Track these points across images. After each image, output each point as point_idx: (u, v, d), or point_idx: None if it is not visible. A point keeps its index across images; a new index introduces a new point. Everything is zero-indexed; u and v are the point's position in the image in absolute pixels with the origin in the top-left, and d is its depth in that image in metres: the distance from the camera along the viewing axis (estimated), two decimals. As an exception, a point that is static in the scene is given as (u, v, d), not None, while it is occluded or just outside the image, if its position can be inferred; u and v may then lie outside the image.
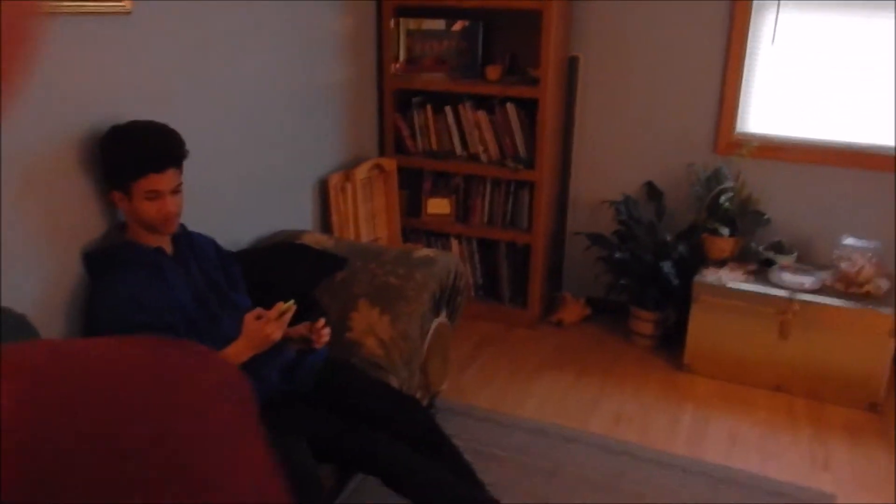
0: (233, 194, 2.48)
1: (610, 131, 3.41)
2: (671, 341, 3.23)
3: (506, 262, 3.46)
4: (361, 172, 3.07)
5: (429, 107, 3.39)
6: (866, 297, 2.86)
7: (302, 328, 2.04)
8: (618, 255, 3.23)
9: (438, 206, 3.49)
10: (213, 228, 2.23)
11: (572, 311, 3.51)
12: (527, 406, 2.80)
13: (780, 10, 3.03)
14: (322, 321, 2.04)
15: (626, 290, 3.25)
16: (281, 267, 2.34)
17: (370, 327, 2.26)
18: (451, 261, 2.52)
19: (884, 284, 2.91)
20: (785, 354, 2.92)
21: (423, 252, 2.51)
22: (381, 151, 3.44)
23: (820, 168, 3.11)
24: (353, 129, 3.20)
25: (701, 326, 3.03)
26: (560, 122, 3.34)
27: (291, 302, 1.86)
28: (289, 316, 1.87)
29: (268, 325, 1.83)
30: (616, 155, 3.42)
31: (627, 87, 3.33)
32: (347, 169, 3.05)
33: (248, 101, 2.51)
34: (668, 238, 3.20)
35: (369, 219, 3.17)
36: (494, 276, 3.51)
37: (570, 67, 3.32)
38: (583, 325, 3.48)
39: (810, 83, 3.07)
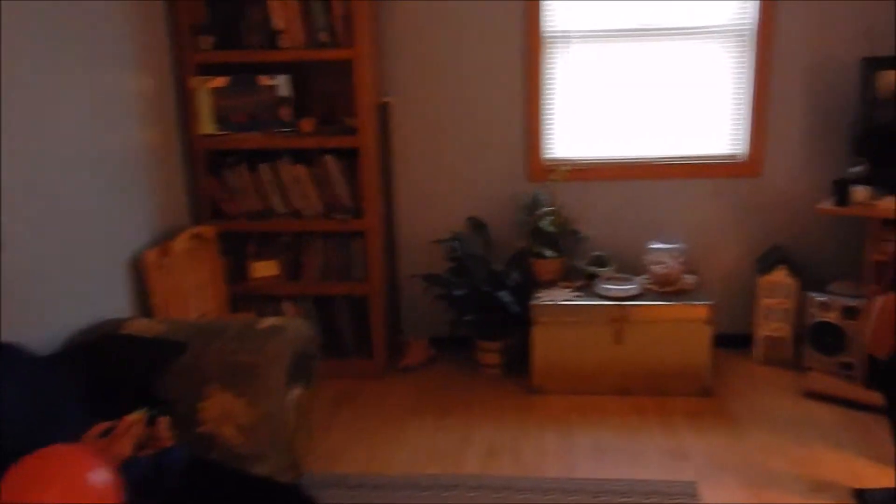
0: (31, 286, 2.15)
1: (429, 172, 3.46)
2: (515, 367, 3.31)
3: (344, 315, 3.36)
4: (180, 244, 2.83)
5: (244, 166, 3.22)
6: (680, 294, 3.15)
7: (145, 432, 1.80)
8: (457, 292, 3.27)
9: (265, 269, 3.32)
10: (14, 329, 1.91)
11: (417, 353, 3.48)
12: (399, 458, 2.72)
13: (568, 46, 3.28)
14: (162, 422, 1.82)
15: (471, 324, 3.29)
16: (112, 364, 2.07)
17: (226, 414, 2.06)
18: (301, 325, 2.38)
19: (692, 279, 3.22)
20: (623, 359, 3.11)
21: (269, 321, 2.35)
22: (197, 219, 3.21)
23: (623, 183, 3.39)
24: (163, 198, 2.95)
25: (544, 347, 3.15)
26: (379, 167, 3.33)
27: (144, 411, 1.65)
28: (138, 428, 1.65)
29: (116, 442, 1.59)
30: (438, 194, 3.48)
31: (440, 129, 3.41)
32: (163, 242, 2.79)
33: (27, 177, 2.19)
34: (499, 267, 3.30)
35: (196, 293, 2.93)
36: (332, 331, 3.39)
37: (382, 113, 3.33)
38: (430, 365, 3.47)
39: (603, 108, 3.35)
